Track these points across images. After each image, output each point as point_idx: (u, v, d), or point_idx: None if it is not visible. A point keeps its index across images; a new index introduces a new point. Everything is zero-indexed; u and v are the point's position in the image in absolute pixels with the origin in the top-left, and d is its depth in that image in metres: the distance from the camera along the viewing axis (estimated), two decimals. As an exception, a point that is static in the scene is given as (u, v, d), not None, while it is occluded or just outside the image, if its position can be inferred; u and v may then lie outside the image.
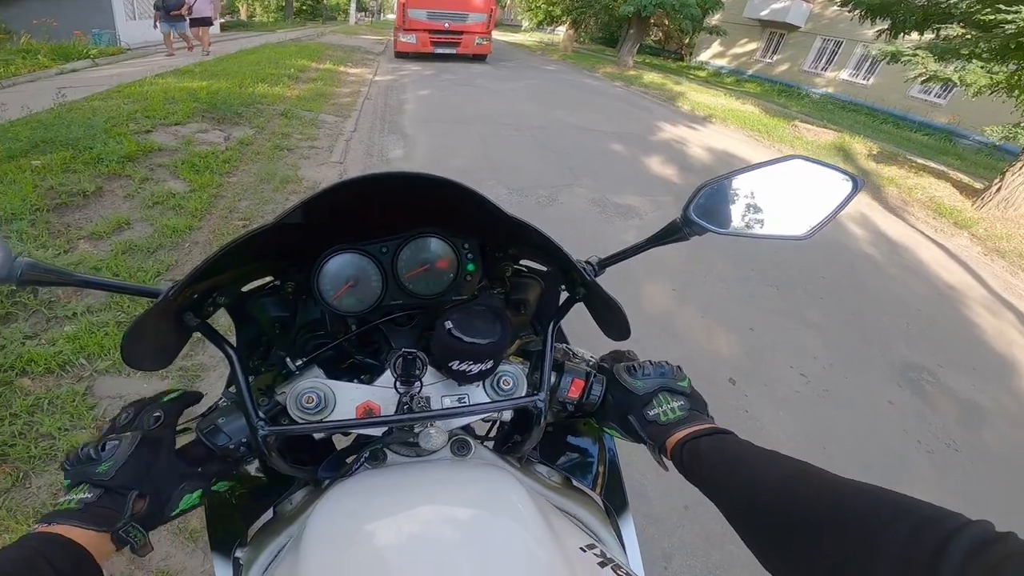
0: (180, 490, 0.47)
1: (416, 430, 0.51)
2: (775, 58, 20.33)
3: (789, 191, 0.54)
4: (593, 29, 27.76)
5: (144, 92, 5.28)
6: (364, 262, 0.58)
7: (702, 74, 20.37)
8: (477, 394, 0.54)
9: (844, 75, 17.51)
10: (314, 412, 0.51)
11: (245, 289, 0.60)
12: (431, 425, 0.50)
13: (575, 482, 0.62)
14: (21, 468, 1.56)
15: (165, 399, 0.52)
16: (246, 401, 0.48)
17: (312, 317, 0.63)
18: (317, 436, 0.57)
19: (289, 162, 4.08)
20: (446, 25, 12.08)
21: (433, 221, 0.59)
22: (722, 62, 22.86)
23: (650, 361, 0.56)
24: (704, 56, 24.07)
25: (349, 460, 0.55)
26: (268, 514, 0.58)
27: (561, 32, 26.13)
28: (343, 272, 0.58)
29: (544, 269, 0.66)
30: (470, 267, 0.60)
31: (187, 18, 9.12)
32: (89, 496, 0.43)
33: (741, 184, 0.55)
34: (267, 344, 0.65)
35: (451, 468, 0.52)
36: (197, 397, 0.56)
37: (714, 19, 20.12)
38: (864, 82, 16.94)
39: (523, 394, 0.54)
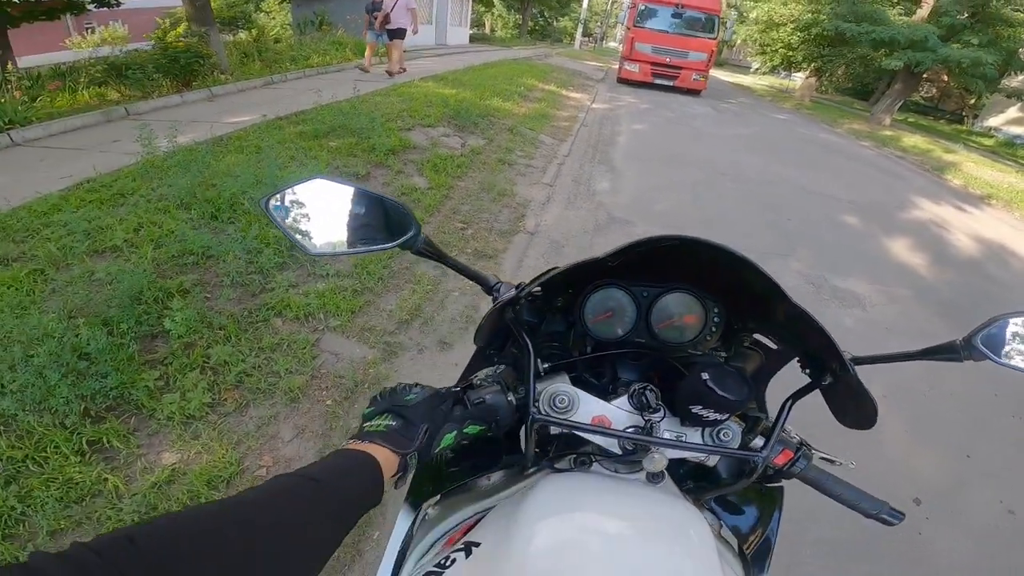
0: (444, 429, 0.57)
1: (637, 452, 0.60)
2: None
3: None
4: (840, 79, 24.73)
5: (412, 93, 6.32)
6: (626, 300, 0.70)
7: (987, 142, 16.64)
8: (692, 436, 0.61)
9: None
10: (562, 411, 0.61)
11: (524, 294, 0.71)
12: (657, 450, 0.58)
13: (724, 532, 0.69)
14: (247, 397, 1.91)
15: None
16: (530, 392, 0.60)
17: (554, 329, 0.76)
18: (553, 431, 0.65)
19: (508, 176, 4.46)
20: (667, 60, 13.06)
21: (689, 278, 0.68)
22: (1020, 130, 18.56)
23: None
24: (994, 121, 19.74)
25: (554, 459, 0.66)
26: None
27: (798, 78, 23.83)
28: (606, 303, 0.70)
29: (773, 347, 0.72)
30: (713, 328, 0.69)
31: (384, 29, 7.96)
32: (393, 423, 0.54)
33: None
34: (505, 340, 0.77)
35: (649, 492, 0.60)
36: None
37: (1016, 80, 16.39)
38: None
39: (737, 447, 0.61)
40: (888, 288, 3.68)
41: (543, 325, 0.75)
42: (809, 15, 15.84)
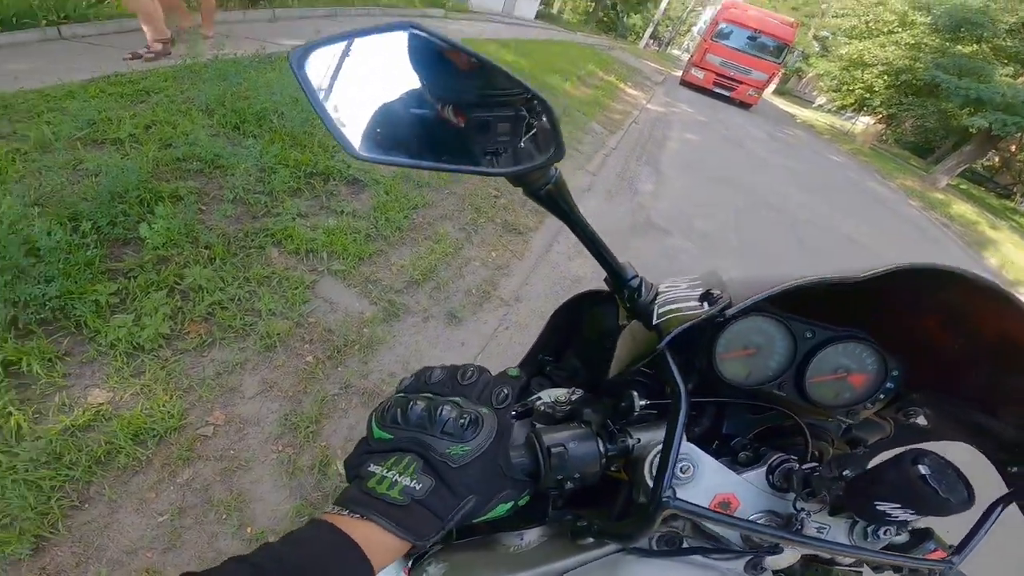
0: (500, 496, 0.41)
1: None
2: None
3: None
4: (906, 131, 23.97)
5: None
6: (781, 338, 0.50)
7: None
8: (836, 529, 0.45)
9: None
10: (681, 482, 0.44)
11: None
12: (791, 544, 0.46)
13: None
14: (214, 335, 1.65)
15: (511, 373, 0.46)
16: (669, 466, 0.40)
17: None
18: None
19: None
20: (731, 73, 14.47)
21: (869, 324, 0.50)
22: None
23: None
24: None
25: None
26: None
27: (861, 122, 23.12)
28: (753, 336, 0.49)
29: (924, 423, 0.56)
30: (882, 396, 0.51)
31: None
32: (418, 488, 0.35)
33: None
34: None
35: None
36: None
37: None
38: None
39: (923, 555, 0.46)
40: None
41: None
42: (905, 61, 15.54)
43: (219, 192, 2.24)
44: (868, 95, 18.11)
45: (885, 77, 16.72)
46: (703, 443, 0.47)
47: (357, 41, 0.37)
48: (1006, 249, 8.64)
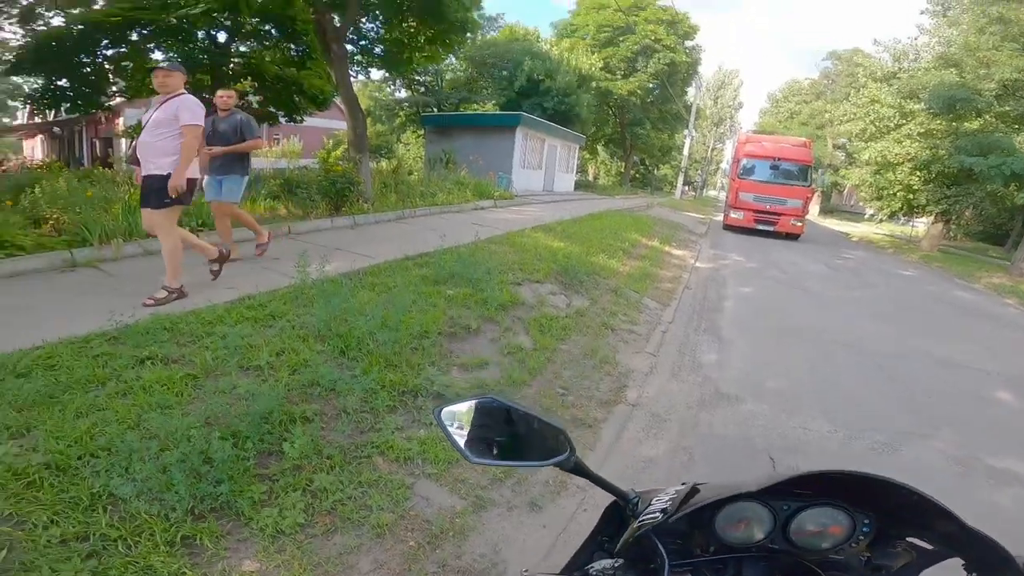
0: None
1: None
2: None
3: None
4: (970, 222, 22.94)
5: (523, 243, 6.90)
6: (764, 513, 0.72)
7: None
8: None
9: None
10: None
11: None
12: None
13: None
14: (337, 524, 2.02)
15: None
16: None
17: (677, 528, 0.76)
18: None
19: (610, 343, 4.53)
20: (768, 207, 14.83)
21: (835, 491, 0.71)
22: None
23: None
24: None
25: None
26: None
27: (921, 225, 22.24)
28: (742, 514, 0.73)
29: (928, 547, 0.73)
30: (861, 537, 0.72)
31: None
32: None
33: None
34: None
35: None
36: None
37: None
38: None
39: None
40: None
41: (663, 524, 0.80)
42: (928, 152, 15.46)
43: (334, 412, 2.69)
44: (911, 195, 17.53)
45: (917, 173, 16.41)
46: None
47: (463, 404, 0.74)
48: None
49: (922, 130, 16.01)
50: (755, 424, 3.47)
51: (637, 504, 0.78)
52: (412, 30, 10.67)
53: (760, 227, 14.88)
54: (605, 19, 29.85)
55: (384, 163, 16.07)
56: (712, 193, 57.26)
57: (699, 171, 56.79)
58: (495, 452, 0.75)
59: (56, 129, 21.38)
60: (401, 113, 27.11)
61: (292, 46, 11.66)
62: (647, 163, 44.77)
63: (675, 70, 31.00)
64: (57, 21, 10.59)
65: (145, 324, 3.13)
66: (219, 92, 5.06)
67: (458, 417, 0.75)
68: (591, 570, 0.73)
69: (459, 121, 20.05)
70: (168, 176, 3.61)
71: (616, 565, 0.74)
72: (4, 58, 9.45)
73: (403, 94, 27.08)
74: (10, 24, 11.39)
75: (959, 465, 3.21)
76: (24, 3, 10.59)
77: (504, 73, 24.89)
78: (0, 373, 2.50)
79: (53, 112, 11.54)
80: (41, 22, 11.00)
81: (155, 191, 3.66)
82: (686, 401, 3.72)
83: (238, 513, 1.97)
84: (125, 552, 1.71)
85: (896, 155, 16.86)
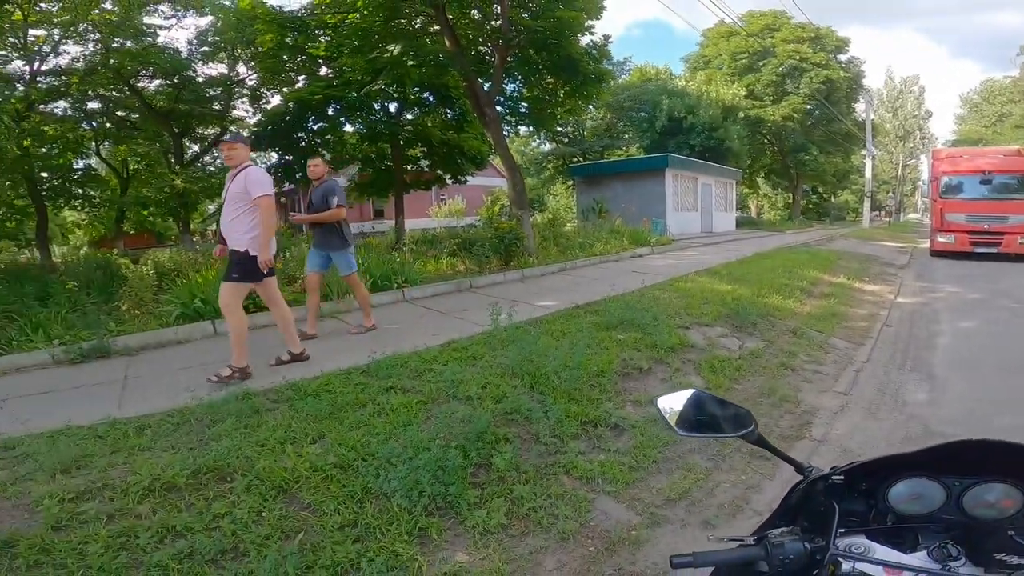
0: None
1: None
2: None
3: None
4: None
5: (688, 288, 6.94)
6: (936, 489, 0.83)
7: None
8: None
9: None
10: (862, 555, 0.77)
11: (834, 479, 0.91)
12: None
13: None
14: (530, 528, 2.43)
15: None
16: (833, 535, 0.79)
17: (853, 508, 0.90)
18: (846, 569, 0.77)
19: (791, 382, 4.38)
20: (986, 227, 12.94)
21: (1005, 472, 0.80)
22: None
23: None
24: None
25: None
26: None
27: None
28: (914, 490, 0.84)
29: None
30: None
31: None
32: None
33: None
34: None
35: None
36: None
37: None
38: None
39: None
40: None
41: (844, 503, 0.89)
42: None
43: (529, 436, 3.18)
44: None
45: None
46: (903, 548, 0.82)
47: (676, 393, 1.02)
48: None
49: None
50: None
51: (811, 472, 0.92)
52: (551, 87, 11.73)
53: (979, 250, 13.04)
54: (737, 46, 29.06)
55: (539, 216, 17.33)
56: (913, 216, 49.26)
57: (890, 193, 49.39)
58: (698, 429, 0.97)
59: (283, 199, 25.78)
60: (549, 166, 28.87)
61: (448, 111, 13.57)
62: (820, 191, 40.47)
63: (833, 87, 28.52)
64: (276, 101, 13.57)
65: (387, 361, 4.04)
66: (309, 162, 5.08)
67: (670, 403, 1.01)
68: (769, 535, 0.82)
69: (606, 169, 20.73)
70: (246, 252, 3.69)
71: (792, 530, 0.83)
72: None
73: (548, 147, 28.86)
74: (242, 103, 14.91)
75: None
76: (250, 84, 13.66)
77: (643, 115, 25.29)
78: (299, 394, 3.49)
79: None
80: (264, 100, 14.32)
81: (233, 264, 3.74)
82: (887, 437, 3.46)
83: (457, 512, 2.48)
84: (380, 537, 2.27)
85: None
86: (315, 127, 12.86)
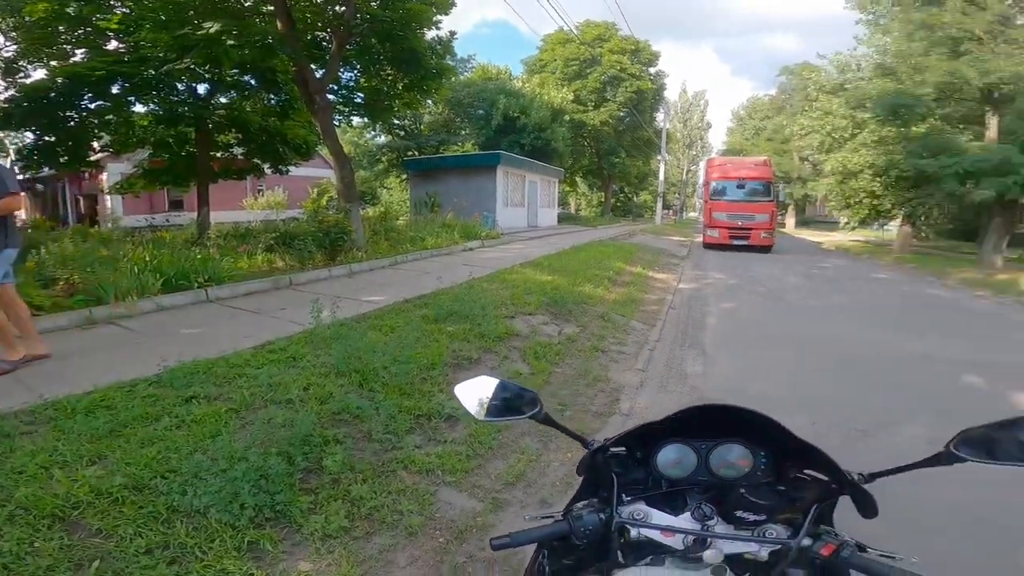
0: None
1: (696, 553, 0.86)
2: None
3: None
4: (938, 221, 23.90)
5: (512, 280, 7.42)
6: (688, 452, 1.01)
7: None
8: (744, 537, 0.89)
9: None
10: (642, 522, 0.91)
11: (613, 450, 1.08)
12: (712, 545, 0.85)
13: None
14: (375, 527, 2.44)
15: None
16: (613, 501, 0.92)
17: (637, 476, 1.06)
18: (634, 537, 0.93)
19: (601, 363, 5.00)
20: (740, 223, 16.62)
21: (740, 432, 1.00)
22: None
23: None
24: None
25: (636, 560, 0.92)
26: None
27: (892, 229, 23.25)
28: (674, 455, 1.01)
29: (822, 477, 0.98)
30: (762, 467, 0.99)
31: None
32: None
33: (991, 431, 0.88)
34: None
35: None
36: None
37: None
38: None
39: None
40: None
41: (628, 473, 1.06)
42: (884, 158, 16.51)
43: (361, 435, 3.13)
44: (875, 201, 18.68)
45: (878, 179, 17.60)
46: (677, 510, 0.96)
47: (470, 380, 1.09)
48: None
49: (875, 138, 17.39)
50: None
51: (593, 444, 1.03)
52: (390, 78, 11.44)
53: (735, 243, 16.69)
54: (572, 52, 31.80)
55: (371, 210, 16.71)
56: (693, 215, 58.14)
57: (677, 194, 58.74)
58: (493, 414, 1.04)
59: (39, 186, 21.64)
60: (383, 159, 28.10)
61: (272, 96, 12.33)
62: (626, 191, 46.37)
63: (642, 97, 32.85)
64: (40, 74, 11.03)
65: (184, 369, 3.57)
66: None
67: (467, 391, 1.08)
68: (573, 509, 0.94)
69: (441, 163, 20.92)
70: None
71: (591, 502, 0.94)
72: None
73: (383, 139, 28.13)
74: (-8, 77, 11.79)
75: (936, 445, 3.52)
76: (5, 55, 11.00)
77: (480, 112, 26.20)
78: (64, 413, 2.94)
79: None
80: (23, 74, 11.56)
81: None
82: (675, 408, 4.14)
83: (291, 520, 2.38)
84: (202, 556, 2.09)
85: (855, 164, 18.23)
86: (92, 106, 10.61)
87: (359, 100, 12.27)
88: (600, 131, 32.78)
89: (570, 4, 46.80)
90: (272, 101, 12.51)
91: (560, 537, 0.93)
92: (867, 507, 0.91)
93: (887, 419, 3.98)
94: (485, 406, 1.04)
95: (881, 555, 0.84)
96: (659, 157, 34.79)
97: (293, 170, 14.51)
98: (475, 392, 1.07)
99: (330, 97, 10.63)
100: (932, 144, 14.13)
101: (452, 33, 11.32)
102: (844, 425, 3.86)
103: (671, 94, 47.13)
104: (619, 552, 0.92)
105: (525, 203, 21.71)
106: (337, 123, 12.11)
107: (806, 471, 1.01)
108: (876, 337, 6.38)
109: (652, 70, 34.84)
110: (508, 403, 1.05)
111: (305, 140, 12.88)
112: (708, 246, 17.49)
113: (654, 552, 0.91)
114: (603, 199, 41.78)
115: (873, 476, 0.93)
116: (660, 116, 36.49)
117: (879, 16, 17.41)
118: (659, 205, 34.29)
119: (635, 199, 49.36)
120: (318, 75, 9.58)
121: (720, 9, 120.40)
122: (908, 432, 3.75)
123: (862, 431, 3.75)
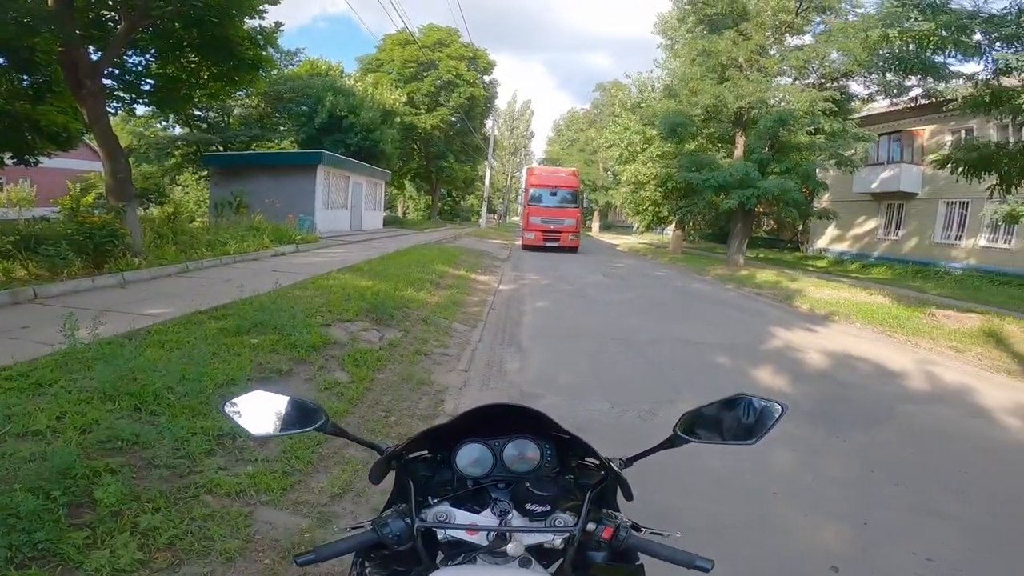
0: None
1: (500, 547, 0.89)
2: (900, 233, 19.97)
3: (739, 413, 1.03)
4: (702, 226, 29.29)
5: (330, 286, 7.14)
6: (483, 449, 1.03)
7: (822, 264, 20.68)
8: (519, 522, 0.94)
9: (982, 241, 16.48)
10: (443, 523, 0.91)
11: (414, 455, 1.10)
12: (512, 539, 0.88)
13: None
14: (180, 556, 2.24)
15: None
16: (411, 508, 0.91)
17: (444, 478, 1.06)
18: (442, 538, 0.93)
19: (425, 366, 5.11)
20: (552, 227, 19.19)
21: (529, 428, 1.06)
22: (843, 246, 22.69)
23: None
24: (822, 243, 24.05)
25: (447, 560, 0.94)
26: None
27: (670, 232, 27.54)
28: (471, 454, 1.02)
29: (594, 464, 1.07)
30: (549, 459, 1.05)
31: None
32: None
33: (710, 411, 1.05)
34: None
35: (516, 572, 0.89)
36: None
37: (823, 202, 20.72)
38: (1006, 245, 15.86)
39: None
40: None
41: (437, 476, 1.07)
42: (664, 171, 19.94)
43: (144, 463, 2.80)
44: (657, 208, 22.73)
45: (659, 189, 21.23)
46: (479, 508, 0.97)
47: (241, 396, 1.01)
48: (810, 292, 11.21)
49: (659, 152, 21.09)
50: (553, 414, 4.37)
51: (387, 451, 1.04)
52: (192, 66, 10.14)
53: (548, 244, 19.06)
54: (410, 54, 31.60)
55: (156, 210, 14.34)
56: (515, 219, 61.71)
57: (502, 199, 62.15)
58: (273, 429, 1.01)
59: None
60: (176, 152, 24.45)
61: (25, 77, 10.04)
62: (454, 195, 47.51)
63: (475, 104, 34.19)
64: None
65: None
66: None
67: (240, 406, 1.01)
68: (381, 516, 0.93)
69: (251, 161, 19.16)
70: None
71: (399, 507, 0.94)
72: None
73: (179, 131, 24.58)
74: None
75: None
76: None
77: (303, 109, 24.48)
78: None
79: None
80: None
81: None
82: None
83: (64, 558, 2.07)
84: None
85: (644, 175, 21.93)
86: None
87: (147, 87, 10.70)
88: (431, 135, 33.19)
89: (416, 7, 46.32)
90: (25, 82, 10.15)
91: (375, 546, 0.90)
92: (626, 490, 1.02)
93: (664, 398, 4.77)
94: (262, 422, 1.01)
95: (652, 533, 0.93)
96: (486, 163, 36.49)
97: (47, 162, 12.12)
98: (250, 408, 1.01)
99: (108, 83, 9.21)
100: (698, 160, 17.42)
101: (278, 24, 10.47)
102: (635, 405, 4.52)
103: (501, 103, 49.67)
104: (438, 554, 0.94)
105: (348, 205, 20.86)
106: (114, 111, 10.52)
107: (586, 459, 1.09)
108: (656, 327, 7.71)
109: (487, 78, 36.44)
110: (289, 417, 1.02)
111: (65, 127, 10.68)
112: (526, 247, 19.52)
113: (467, 551, 0.93)
114: (431, 202, 42.17)
115: (630, 461, 1.05)
116: (489, 123, 38.35)
117: (676, 41, 20.31)
118: (484, 209, 35.94)
119: (462, 203, 50.81)
120: (94, 58, 8.24)
121: (554, 24, 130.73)
122: (680, 408, 4.50)
123: (649, 410, 4.43)
